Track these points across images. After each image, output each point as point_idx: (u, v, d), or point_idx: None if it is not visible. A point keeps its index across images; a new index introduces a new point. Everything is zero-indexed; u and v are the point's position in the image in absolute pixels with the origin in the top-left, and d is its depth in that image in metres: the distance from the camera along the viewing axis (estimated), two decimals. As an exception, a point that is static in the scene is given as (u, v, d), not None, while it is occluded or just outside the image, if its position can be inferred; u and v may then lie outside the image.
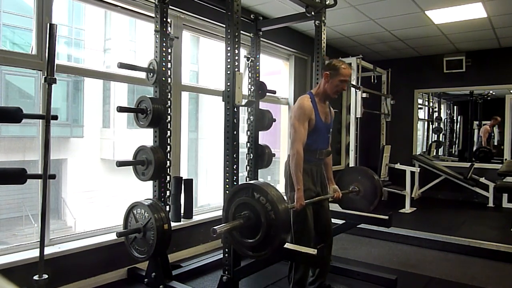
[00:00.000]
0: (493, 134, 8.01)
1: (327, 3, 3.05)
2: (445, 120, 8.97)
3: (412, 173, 5.69)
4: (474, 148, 7.66)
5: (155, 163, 2.70)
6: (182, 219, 3.55)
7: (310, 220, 2.44)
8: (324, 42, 3.06)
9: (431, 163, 6.38)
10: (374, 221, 3.04)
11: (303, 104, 2.43)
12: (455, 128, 9.19)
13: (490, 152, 7.11)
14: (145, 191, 3.08)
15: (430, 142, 8.01)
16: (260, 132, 3.57)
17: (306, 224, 2.42)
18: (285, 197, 2.55)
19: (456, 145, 9.10)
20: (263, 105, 3.71)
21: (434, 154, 7.76)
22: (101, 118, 7.29)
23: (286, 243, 2.18)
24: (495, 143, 7.93)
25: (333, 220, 3.01)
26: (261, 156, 3.53)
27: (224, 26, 2.50)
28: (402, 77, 6.48)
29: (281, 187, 4.03)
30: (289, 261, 2.50)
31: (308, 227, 2.43)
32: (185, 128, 5.08)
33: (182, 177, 3.55)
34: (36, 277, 2.15)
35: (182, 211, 3.57)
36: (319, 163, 2.58)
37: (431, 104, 8.14)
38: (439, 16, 4.40)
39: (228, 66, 2.45)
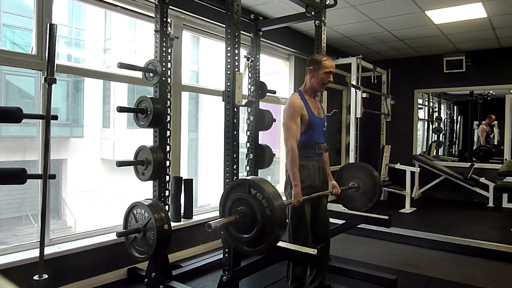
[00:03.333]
0: (492, 134, 8.03)
1: (327, 3, 3.05)
2: (445, 120, 8.97)
3: (412, 173, 5.69)
4: (475, 147, 7.69)
5: (155, 163, 2.71)
6: (182, 219, 3.55)
7: (308, 217, 2.45)
8: (324, 42, 3.06)
9: (431, 163, 6.38)
10: (374, 221, 3.04)
11: (292, 101, 2.47)
12: (455, 128, 9.19)
13: (490, 151, 7.14)
14: (145, 191, 3.08)
15: (430, 142, 8.01)
16: (260, 132, 3.57)
17: (304, 220, 2.43)
18: (282, 195, 2.57)
19: (456, 145, 9.11)
20: (263, 105, 3.71)
21: (434, 154, 7.77)
22: (101, 118, 7.28)
23: (285, 243, 2.19)
24: (495, 143, 7.94)
25: (334, 220, 3.02)
26: (261, 156, 3.53)
27: (224, 26, 2.50)
28: (402, 77, 6.48)
29: (281, 187, 4.02)
30: (288, 260, 2.50)
31: (306, 224, 2.44)
32: (185, 128, 5.08)
33: (182, 177, 3.55)
34: (36, 277, 2.15)
35: (182, 211, 3.57)
36: (319, 159, 2.58)
37: (431, 104, 8.14)
38: (439, 16, 4.40)
39: (228, 66, 2.45)
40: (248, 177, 2.11)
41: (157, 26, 2.87)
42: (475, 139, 8.13)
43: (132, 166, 2.84)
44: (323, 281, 2.63)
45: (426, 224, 4.55)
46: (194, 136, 6.71)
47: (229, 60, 2.45)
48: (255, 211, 1.96)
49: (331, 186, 2.68)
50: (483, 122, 7.95)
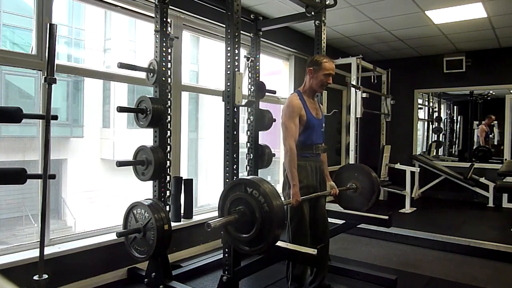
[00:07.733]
0: (492, 134, 8.03)
1: (327, 3, 3.06)
2: (445, 120, 8.97)
3: (412, 173, 5.68)
4: (474, 147, 7.70)
5: (155, 163, 2.71)
6: (182, 219, 3.55)
7: (307, 217, 2.46)
8: (324, 42, 3.06)
9: (431, 163, 6.38)
10: (374, 221, 3.04)
11: (291, 101, 2.47)
12: (455, 128, 9.19)
13: (489, 151, 7.16)
14: (145, 191, 3.08)
15: (430, 142, 8.01)
16: (260, 132, 3.57)
17: (303, 221, 2.43)
18: (280, 193, 2.57)
19: (456, 145, 9.10)
20: (263, 105, 3.71)
21: (434, 154, 7.76)
22: (101, 118, 7.29)
23: (285, 243, 2.19)
24: (495, 143, 7.94)
25: (333, 220, 3.02)
26: (261, 156, 3.53)
27: (224, 26, 2.50)
28: (402, 77, 6.48)
29: (280, 187, 4.01)
30: (288, 260, 2.50)
31: (305, 224, 2.44)
32: (185, 128, 5.08)
33: (182, 177, 3.55)
34: (36, 277, 2.15)
35: (182, 211, 3.57)
36: (317, 159, 2.59)
37: (431, 104, 8.14)
38: (439, 16, 4.40)
39: (228, 66, 2.45)
40: (244, 177, 2.12)
41: (157, 26, 2.87)
42: (475, 139, 8.13)
43: (131, 166, 2.84)
44: (323, 281, 2.62)
45: (426, 224, 4.54)
46: (194, 136, 6.72)
47: (229, 60, 2.45)
48: (254, 209, 1.96)
49: (329, 186, 2.68)
50: (483, 122, 7.96)
